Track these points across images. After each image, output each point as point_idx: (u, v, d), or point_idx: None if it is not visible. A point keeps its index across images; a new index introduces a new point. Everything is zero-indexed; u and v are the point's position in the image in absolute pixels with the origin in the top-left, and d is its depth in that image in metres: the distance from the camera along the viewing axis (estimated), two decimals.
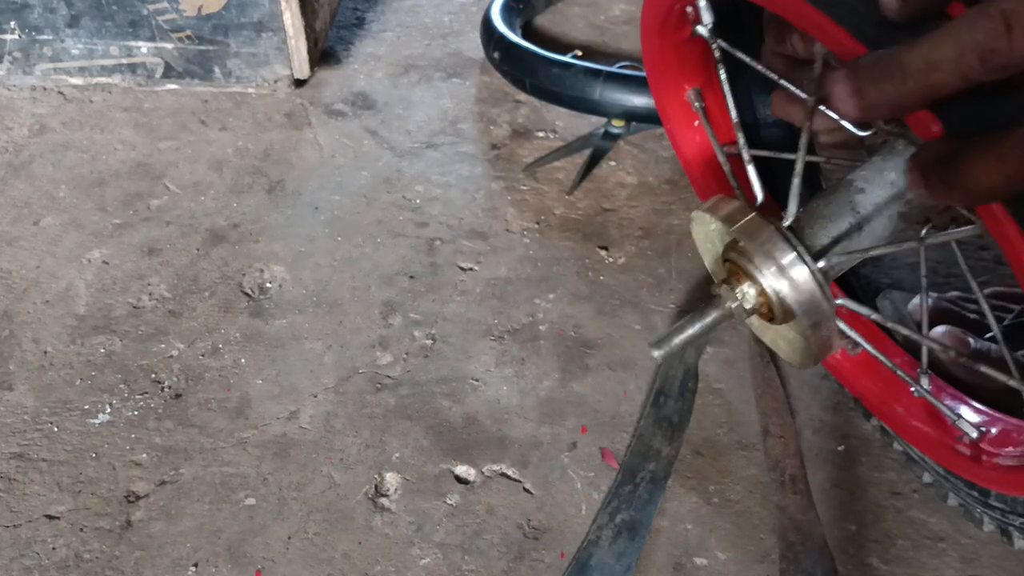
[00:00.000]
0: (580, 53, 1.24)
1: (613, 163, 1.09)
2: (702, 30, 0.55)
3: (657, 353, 0.50)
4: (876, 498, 0.71)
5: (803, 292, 0.46)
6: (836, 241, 0.48)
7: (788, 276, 0.46)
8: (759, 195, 0.51)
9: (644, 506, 0.70)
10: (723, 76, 0.54)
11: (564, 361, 0.83)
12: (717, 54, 0.54)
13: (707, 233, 0.52)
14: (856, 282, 0.76)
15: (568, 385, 0.80)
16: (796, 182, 0.48)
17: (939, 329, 0.68)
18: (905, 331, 0.53)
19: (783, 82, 0.50)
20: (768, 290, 0.47)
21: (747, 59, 0.52)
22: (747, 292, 0.48)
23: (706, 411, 0.78)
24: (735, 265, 0.49)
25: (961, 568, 0.66)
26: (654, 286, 0.91)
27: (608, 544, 0.67)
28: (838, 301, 0.49)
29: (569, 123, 1.16)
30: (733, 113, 0.53)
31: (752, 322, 0.52)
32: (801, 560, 0.66)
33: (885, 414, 0.67)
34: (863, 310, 0.52)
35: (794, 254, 0.46)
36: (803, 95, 0.48)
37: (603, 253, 0.95)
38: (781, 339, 0.52)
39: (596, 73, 1.09)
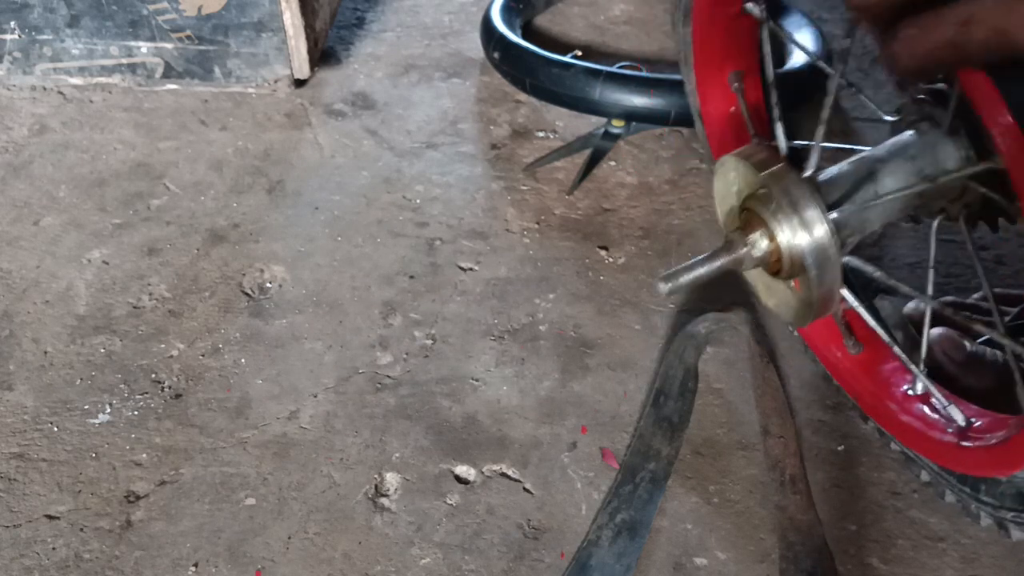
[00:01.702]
0: (580, 53, 1.23)
1: (613, 163, 1.09)
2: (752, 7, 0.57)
3: (664, 287, 0.52)
4: (876, 498, 0.71)
5: (816, 241, 0.48)
6: (850, 197, 0.50)
7: (806, 223, 0.48)
8: (784, 149, 0.53)
9: (644, 506, 0.70)
10: (765, 35, 0.56)
11: (564, 361, 0.83)
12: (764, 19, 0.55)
13: (729, 181, 0.53)
14: (856, 282, 0.76)
15: (568, 385, 0.80)
16: (820, 132, 0.50)
17: (936, 331, 0.69)
18: (881, 333, 0.54)
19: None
20: (782, 239, 0.49)
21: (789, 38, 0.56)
22: (759, 242, 0.50)
23: (706, 411, 0.78)
24: (752, 213, 0.50)
25: (961, 568, 0.66)
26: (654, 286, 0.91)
27: (608, 544, 0.67)
28: (845, 258, 0.51)
29: (569, 123, 1.16)
30: (769, 69, 0.55)
31: (752, 275, 0.54)
32: (801, 560, 0.66)
33: (879, 412, 0.68)
34: (867, 267, 0.54)
35: (814, 204, 0.48)
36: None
37: (603, 253, 0.95)
38: (779, 294, 0.53)
39: (596, 73, 1.09)
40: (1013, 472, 0.55)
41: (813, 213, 0.48)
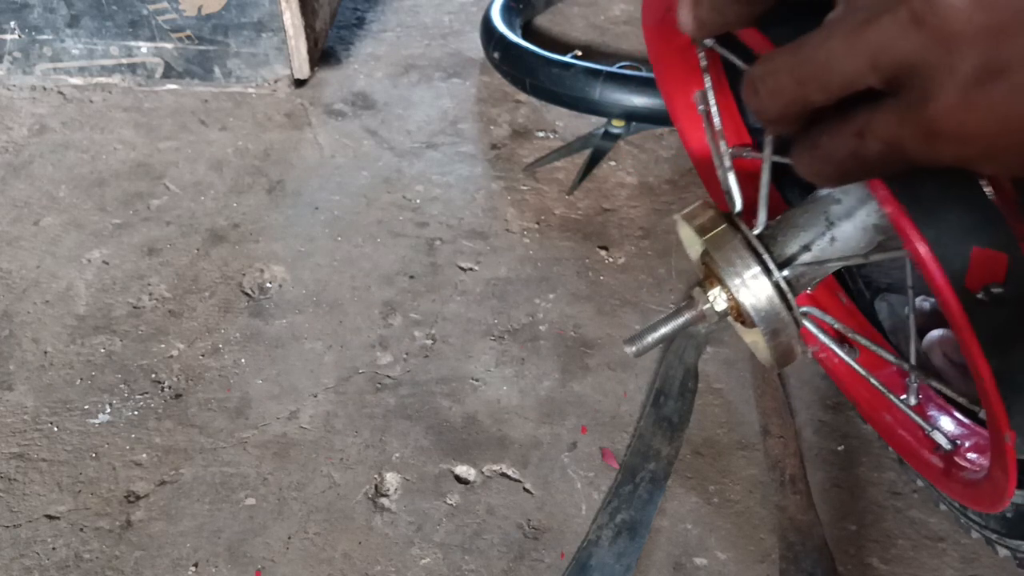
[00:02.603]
0: (580, 53, 1.24)
1: (613, 163, 1.09)
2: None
3: (631, 350, 0.52)
4: (876, 498, 0.71)
5: (762, 302, 0.47)
6: (806, 249, 0.48)
7: (749, 287, 0.47)
8: (738, 203, 0.51)
9: (644, 506, 0.70)
10: (708, 84, 0.54)
11: (564, 361, 0.83)
12: (703, 63, 0.54)
13: (689, 237, 0.53)
14: (854, 284, 0.76)
15: (568, 385, 0.80)
16: (764, 190, 0.48)
17: (934, 333, 0.68)
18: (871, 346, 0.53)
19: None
20: (737, 297, 0.48)
21: (740, 63, 0.52)
22: (718, 296, 0.49)
23: (706, 411, 0.78)
24: (709, 269, 0.50)
25: (961, 568, 0.66)
26: (654, 286, 0.91)
27: (608, 544, 0.67)
28: (803, 309, 0.50)
29: (569, 123, 1.16)
30: (716, 120, 0.54)
31: (733, 323, 0.53)
32: (801, 560, 0.66)
33: (875, 420, 0.67)
34: (827, 318, 0.53)
35: (757, 267, 0.47)
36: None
37: (603, 253, 0.95)
38: (751, 335, 0.53)
39: (596, 73, 1.09)
40: (991, 511, 0.54)
41: (757, 278, 0.47)
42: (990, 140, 0.27)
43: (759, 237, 0.48)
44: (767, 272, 0.47)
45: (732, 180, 0.52)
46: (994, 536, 0.62)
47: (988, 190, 0.36)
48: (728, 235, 0.48)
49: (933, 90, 0.27)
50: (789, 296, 0.47)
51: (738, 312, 0.49)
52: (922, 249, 0.36)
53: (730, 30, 0.39)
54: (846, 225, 0.48)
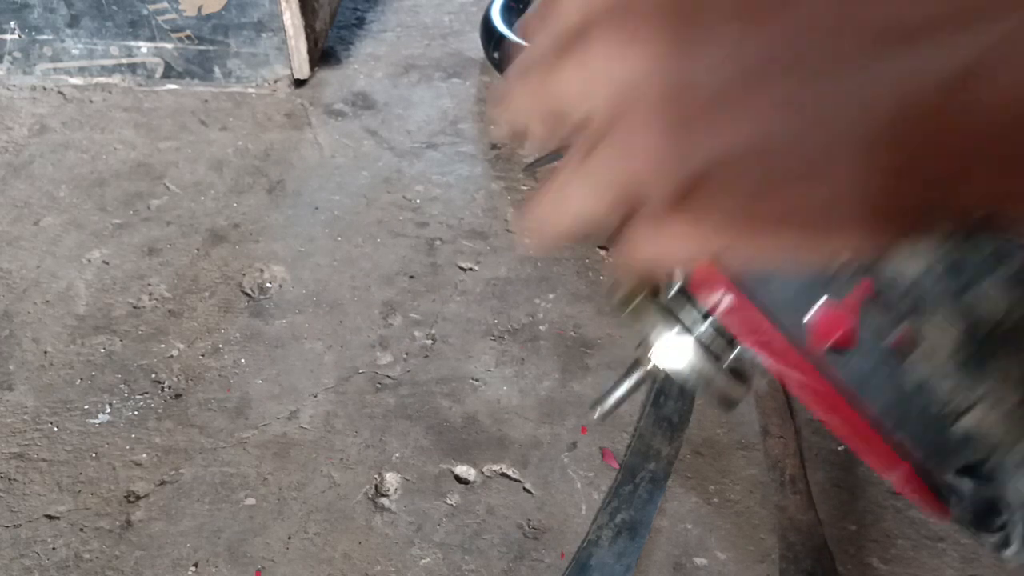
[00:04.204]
0: None
1: None
2: None
3: (597, 416, 0.53)
4: (876, 498, 0.71)
5: (686, 366, 0.47)
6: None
7: (669, 351, 0.47)
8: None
9: (644, 506, 0.70)
10: None
11: (564, 361, 0.83)
12: None
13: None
14: None
15: (568, 385, 0.80)
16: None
17: None
18: None
19: None
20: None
21: None
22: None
23: (706, 411, 0.78)
24: None
25: (961, 568, 0.66)
26: None
27: (608, 544, 0.67)
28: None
29: None
30: None
31: None
32: (801, 560, 0.66)
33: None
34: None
35: (676, 328, 0.47)
36: None
37: (603, 253, 0.95)
38: None
39: None
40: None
41: (678, 339, 0.47)
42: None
43: (681, 290, 0.48)
44: (687, 330, 0.47)
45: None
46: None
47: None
48: (647, 305, 0.49)
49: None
50: (707, 357, 0.47)
51: None
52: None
53: None
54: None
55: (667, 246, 0.25)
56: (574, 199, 0.26)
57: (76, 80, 1.21)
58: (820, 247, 0.23)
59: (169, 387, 0.80)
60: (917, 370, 0.29)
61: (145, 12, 1.15)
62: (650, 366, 0.50)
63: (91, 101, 1.19)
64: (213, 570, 0.66)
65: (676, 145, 0.23)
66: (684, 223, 0.24)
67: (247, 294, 0.90)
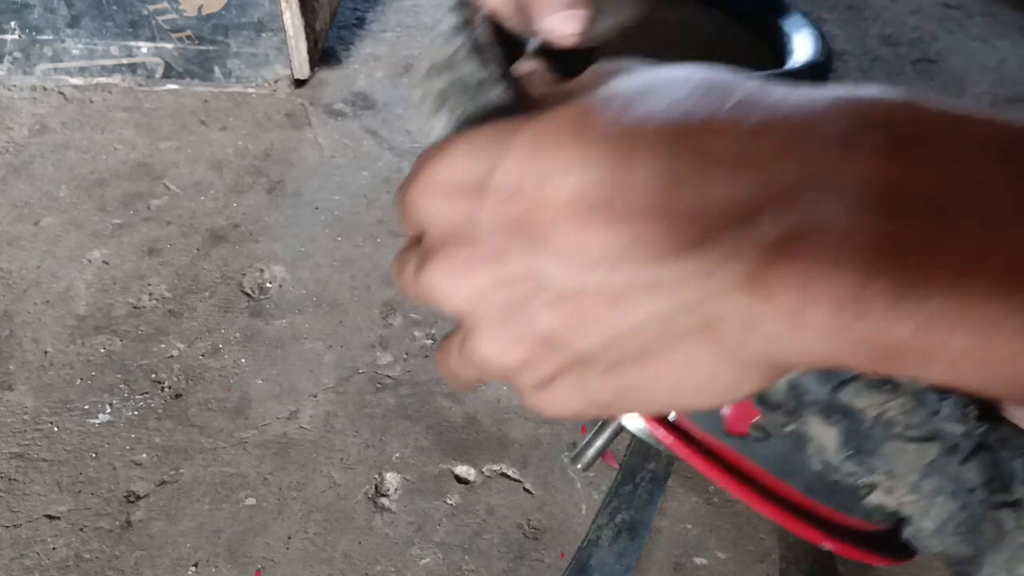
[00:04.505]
0: None
1: None
2: None
3: (579, 466, 0.53)
4: None
5: (638, 424, 0.47)
6: None
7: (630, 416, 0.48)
8: None
9: (644, 506, 0.70)
10: None
11: None
12: None
13: None
14: None
15: None
16: None
17: None
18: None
19: None
20: None
21: None
22: None
23: None
24: None
25: None
26: None
27: (608, 544, 0.67)
28: None
29: None
30: None
31: None
32: (801, 560, 0.66)
33: None
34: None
35: None
36: None
37: None
38: None
39: None
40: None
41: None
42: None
43: None
44: None
45: None
46: None
47: None
48: None
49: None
50: None
51: None
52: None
53: None
54: None
55: (553, 410, 0.28)
56: (464, 371, 0.30)
57: (76, 80, 1.21)
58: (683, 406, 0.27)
59: (169, 387, 0.80)
60: (815, 460, 0.31)
61: (145, 12, 1.15)
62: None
63: (91, 101, 1.19)
64: (213, 570, 0.66)
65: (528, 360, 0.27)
66: (549, 401, 0.28)
67: (247, 294, 0.90)
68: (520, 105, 0.31)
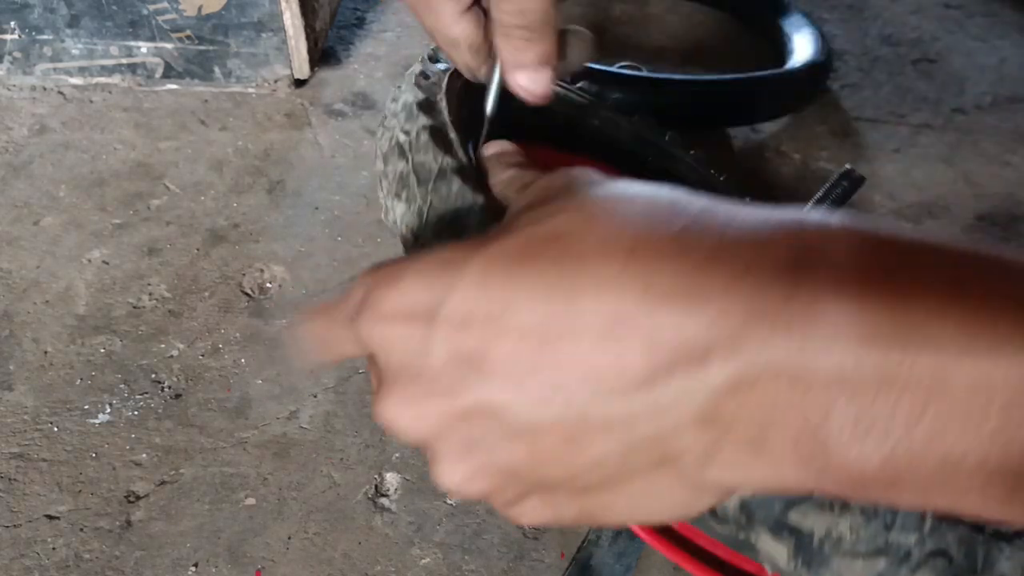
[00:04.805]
0: None
1: None
2: None
3: None
4: None
5: None
6: None
7: None
8: None
9: None
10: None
11: None
12: None
13: None
14: None
15: None
16: None
17: None
18: None
19: None
20: None
21: None
22: None
23: None
24: None
25: None
26: None
27: (608, 544, 0.67)
28: None
29: None
30: None
31: None
32: None
33: None
34: None
35: None
36: None
37: None
38: None
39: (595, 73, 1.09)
40: None
41: None
42: None
43: None
44: None
45: None
46: None
47: None
48: None
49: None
50: None
51: None
52: None
53: None
54: None
55: (524, 522, 0.31)
56: (337, 346, 0.31)
57: (76, 80, 1.21)
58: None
59: (169, 387, 0.80)
60: (767, 565, 0.32)
61: (145, 12, 1.15)
62: None
63: (91, 101, 1.19)
64: (213, 570, 0.66)
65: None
66: (519, 515, 0.32)
67: (247, 294, 0.90)
68: (477, 208, 0.32)
